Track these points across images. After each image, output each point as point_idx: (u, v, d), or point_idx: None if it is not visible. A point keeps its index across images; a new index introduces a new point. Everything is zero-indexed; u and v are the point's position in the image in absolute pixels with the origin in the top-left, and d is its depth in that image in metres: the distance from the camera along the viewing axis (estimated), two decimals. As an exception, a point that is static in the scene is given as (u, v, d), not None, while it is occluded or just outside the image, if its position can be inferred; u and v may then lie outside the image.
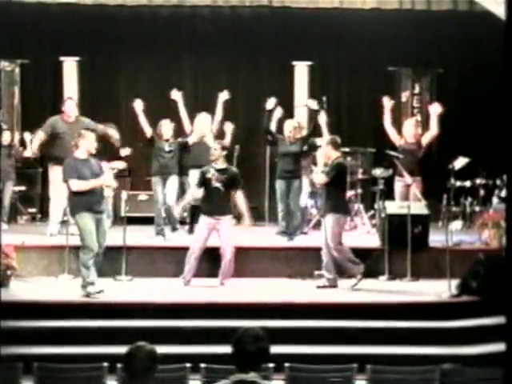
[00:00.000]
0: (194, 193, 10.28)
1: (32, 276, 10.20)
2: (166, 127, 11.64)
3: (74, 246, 10.25)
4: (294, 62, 14.12)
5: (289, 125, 11.68)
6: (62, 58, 13.94)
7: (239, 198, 10.17)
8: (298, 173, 11.52)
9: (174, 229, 11.65)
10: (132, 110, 14.28)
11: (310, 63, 14.15)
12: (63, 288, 9.79)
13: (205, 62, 14.32)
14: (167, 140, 11.58)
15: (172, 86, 14.35)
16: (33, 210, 13.30)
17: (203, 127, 11.86)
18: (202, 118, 11.99)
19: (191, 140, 11.74)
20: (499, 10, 9.95)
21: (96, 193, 9.36)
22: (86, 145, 9.42)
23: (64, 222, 11.27)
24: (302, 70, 14.16)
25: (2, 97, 13.62)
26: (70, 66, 13.97)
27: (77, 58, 13.94)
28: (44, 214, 13.53)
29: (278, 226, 11.70)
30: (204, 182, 9.90)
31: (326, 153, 10.00)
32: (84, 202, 9.28)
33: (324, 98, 13.05)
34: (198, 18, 13.94)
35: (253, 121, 14.39)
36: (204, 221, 9.90)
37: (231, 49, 14.19)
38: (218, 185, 9.82)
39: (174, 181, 11.54)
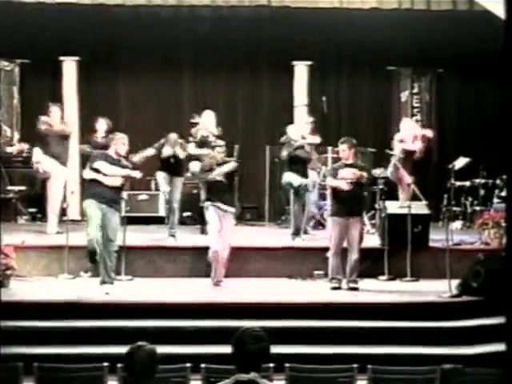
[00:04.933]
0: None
1: (32, 276, 10.19)
2: (174, 142, 11.57)
3: (73, 246, 10.29)
4: (294, 62, 14.12)
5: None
6: (61, 58, 13.93)
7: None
8: (307, 174, 11.59)
9: (171, 235, 11.40)
10: (131, 109, 14.36)
11: (309, 63, 14.14)
12: (63, 288, 9.78)
13: (204, 62, 14.31)
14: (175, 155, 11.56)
15: (172, 86, 14.40)
16: (33, 210, 13.28)
17: (207, 124, 11.91)
18: (207, 115, 12.04)
19: (192, 151, 11.77)
20: (499, 9, 9.95)
21: (102, 192, 9.44)
22: (116, 146, 9.67)
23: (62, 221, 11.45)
24: (301, 70, 14.14)
25: (1, 97, 13.62)
26: (69, 66, 13.95)
27: (76, 58, 13.93)
28: (44, 213, 13.53)
29: (291, 226, 11.66)
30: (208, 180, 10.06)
31: (348, 154, 9.97)
32: (93, 190, 9.53)
33: (324, 98, 13.07)
34: (198, 18, 13.93)
35: (252, 121, 14.41)
36: (214, 211, 9.87)
37: (231, 49, 14.18)
38: (219, 178, 9.89)
39: (179, 181, 11.54)
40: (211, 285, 9.87)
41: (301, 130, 11.93)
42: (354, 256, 9.81)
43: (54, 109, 12.07)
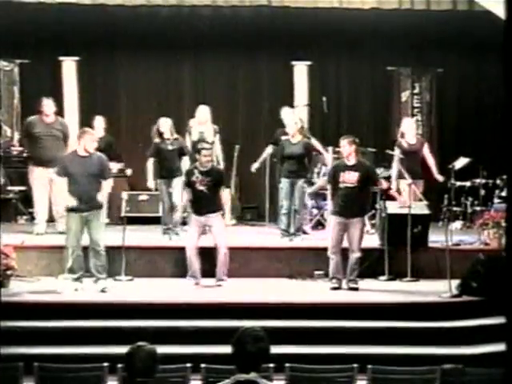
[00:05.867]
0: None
1: (32, 276, 10.19)
2: (165, 125, 11.55)
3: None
4: (294, 62, 14.12)
5: (291, 120, 11.72)
6: (61, 58, 13.93)
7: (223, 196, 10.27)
8: (302, 173, 11.52)
9: (175, 233, 11.41)
10: (132, 109, 14.34)
11: (309, 63, 14.14)
12: (63, 288, 9.76)
13: (204, 62, 14.31)
14: (168, 139, 11.53)
15: (172, 86, 14.39)
16: (33, 210, 13.26)
17: (201, 119, 11.90)
18: (202, 109, 12.03)
19: (189, 144, 11.79)
20: (499, 9, 9.95)
21: (81, 192, 9.51)
22: (84, 143, 9.65)
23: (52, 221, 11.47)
24: (301, 70, 14.14)
25: (1, 97, 13.61)
26: (69, 66, 13.95)
27: (76, 58, 13.93)
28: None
29: (279, 224, 11.66)
30: (189, 183, 10.01)
31: (348, 150, 9.94)
32: (69, 201, 9.62)
33: (324, 99, 13.07)
34: (198, 18, 13.92)
35: (252, 121, 14.39)
36: (194, 219, 9.98)
37: (231, 48, 14.17)
38: (202, 188, 9.87)
39: (178, 181, 11.46)
40: (194, 284, 9.89)
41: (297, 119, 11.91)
42: (355, 255, 9.80)
43: (48, 102, 11.87)
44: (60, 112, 12.97)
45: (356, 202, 9.83)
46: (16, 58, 13.91)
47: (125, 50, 14.18)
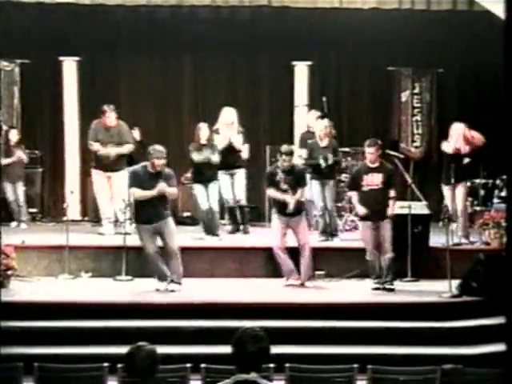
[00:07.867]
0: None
1: (32, 276, 10.19)
2: (204, 131, 11.54)
3: (74, 246, 10.30)
4: (294, 62, 14.13)
5: (321, 124, 11.75)
6: (61, 58, 13.94)
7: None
8: (332, 174, 11.64)
9: (214, 234, 11.44)
10: (132, 109, 14.35)
11: (310, 63, 14.15)
12: (63, 288, 9.78)
13: (204, 62, 14.32)
14: (204, 145, 11.50)
15: (172, 86, 14.40)
16: (33, 210, 13.28)
17: (227, 120, 11.85)
18: (226, 111, 11.98)
19: (220, 146, 11.70)
20: (499, 9, 9.95)
21: (154, 205, 9.48)
22: (153, 161, 9.56)
23: (117, 222, 11.40)
24: (301, 70, 14.16)
25: (1, 97, 13.61)
26: (69, 66, 13.97)
27: (76, 58, 13.95)
28: (44, 213, 13.54)
29: (318, 227, 11.68)
30: (274, 183, 10.01)
31: (375, 157, 9.78)
32: (141, 214, 9.59)
33: (324, 99, 13.08)
34: (198, 18, 13.92)
35: (253, 121, 14.39)
36: (278, 219, 10.04)
37: (231, 49, 14.18)
38: (285, 187, 9.92)
39: (214, 186, 11.52)
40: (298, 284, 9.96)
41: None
42: (387, 256, 9.72)
43: (111, 115, 11.87)
44: (60, 112, 12.96)
45: (382, 204, 9.75)
46: (16, 58, 13.91)
47: (125, 50, 14.19)
